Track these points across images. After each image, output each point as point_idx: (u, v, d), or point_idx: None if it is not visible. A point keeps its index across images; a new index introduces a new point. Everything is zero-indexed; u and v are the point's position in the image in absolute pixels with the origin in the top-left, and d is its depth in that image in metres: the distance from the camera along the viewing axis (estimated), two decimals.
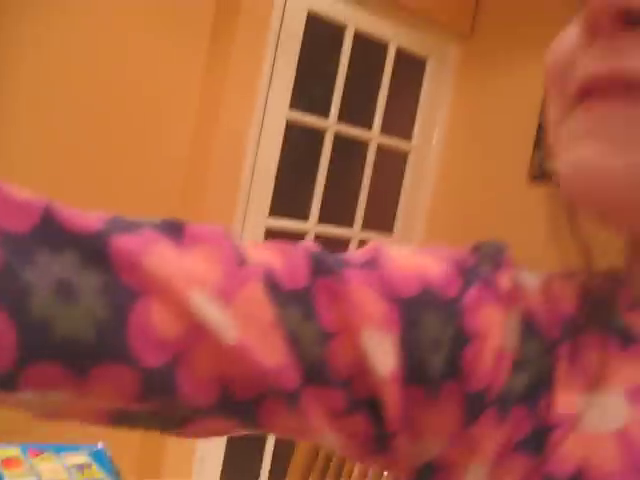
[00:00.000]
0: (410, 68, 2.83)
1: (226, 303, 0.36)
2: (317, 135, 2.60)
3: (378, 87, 2.72)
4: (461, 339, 0.40)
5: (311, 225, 2.63)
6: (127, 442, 2.26)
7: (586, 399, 0.39)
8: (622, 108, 0.35)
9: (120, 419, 0.38)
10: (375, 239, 2.87)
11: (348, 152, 2.73)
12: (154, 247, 0.35)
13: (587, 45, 0.37)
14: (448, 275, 0.42)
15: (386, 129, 2.76)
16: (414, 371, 0.40)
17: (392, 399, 0.40)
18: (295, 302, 0.38)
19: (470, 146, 2.80)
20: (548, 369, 0.40)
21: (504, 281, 0.42)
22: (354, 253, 0.43)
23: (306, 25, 2.45)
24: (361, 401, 0.41)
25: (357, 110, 2.72)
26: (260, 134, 2.41)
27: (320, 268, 0.40)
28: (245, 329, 0.36)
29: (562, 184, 0.37)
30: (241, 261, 0.38)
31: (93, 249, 0.34)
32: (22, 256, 0.32)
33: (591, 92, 0.36)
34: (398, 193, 2.90)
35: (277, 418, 0.39)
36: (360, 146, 2.74)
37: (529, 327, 0.42)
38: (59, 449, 1.43)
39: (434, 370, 0.40)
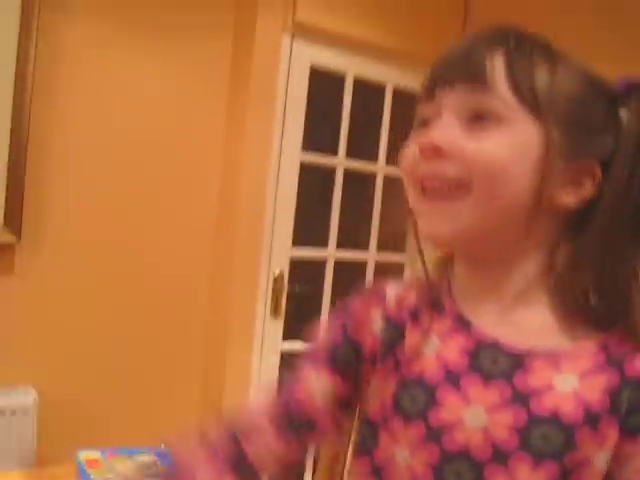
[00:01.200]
0: (407, 105, 3.13)
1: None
2: (329, 172, 2.93)
3: (380, 124, 3.04)
4: (357, 349, 0.87)
5: (331, 251, 2.94)
6: None
7: (424, 342, 0.81)
8: (443, 200, 0.77)
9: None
10: (389, 259, 3.17)
11: (358, 184, 3.05)
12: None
13: (419, 158, 0.78)
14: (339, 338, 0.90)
15: (391, 161, 3.07)
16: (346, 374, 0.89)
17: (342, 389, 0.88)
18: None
19: None
20: (399, 335, 0.83)
21: (363, 307, 0.90)
22: None
23: (310, 76, 2.79)
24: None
25: (363, 147, 3.03)
26: (278, 176, 2.74)
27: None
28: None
29: (423, 239, 0.82)
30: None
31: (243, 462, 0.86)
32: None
33: (425, 187, 0.79)
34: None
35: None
36: (369, 178, 3.05)
37: (387, 318, 0.86)
38: (131, 451, 1.73)
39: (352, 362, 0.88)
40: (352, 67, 2.89)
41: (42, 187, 2.33)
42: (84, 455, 1.67)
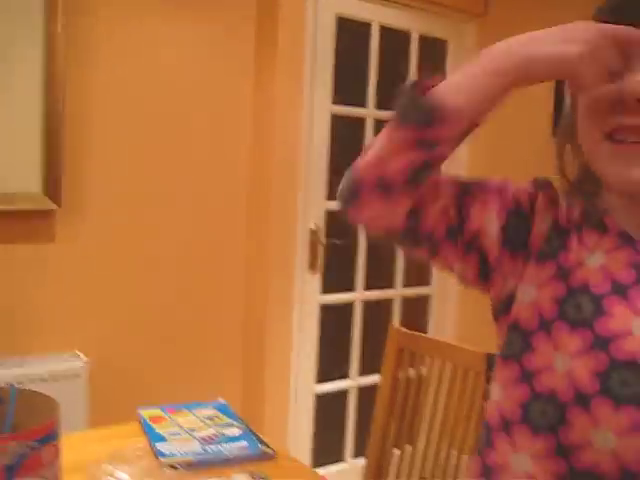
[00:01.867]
0: (433, 51, 3.12)
1: None
2: (359, 123, 2.91)
3: (407, 72, 3.01)
4: (527, 229, 0.85)
5: None
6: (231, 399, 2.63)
7: (587, 255, 0.82)
8: None
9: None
10: None
11: None
12: None
13: (623, 107, 0.74)
14: (523, 201, 0.87)
15: None
16: (507, 240, 0.85)
17: (492, 248, 0.85)
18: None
19: (493, 115, 3.06)
20: (564, 242, 0.84)
21: (541, 200, 0.87)
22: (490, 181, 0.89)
23: (336, 28, 2.76)
24: (477, 248, 0.86)
25: (392, 96, 3.00)
26: (311, 129, 2.73)
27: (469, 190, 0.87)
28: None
29: (615, 184, 0.80)
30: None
31: None
32: None
33: (627, 132, 0.76)
34: None
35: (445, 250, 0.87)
36: None
37: (555, 223, 0.85)
38: (190, 407, 1.76)
39: (515, 243, 0.86)
40: (377, 16, 2.86)
41: (80, 154, 2.34)
42: (146, 412, 1.69)
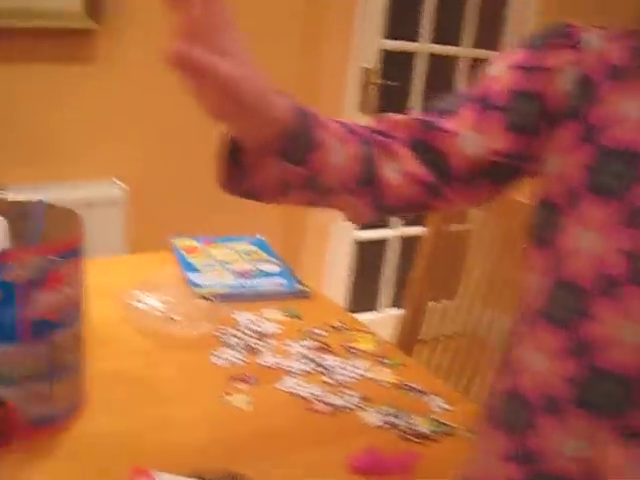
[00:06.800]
0: None
1: None
2: None
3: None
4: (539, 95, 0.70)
5: (423, 45, 2.76)
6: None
7: (629, 103, 0.63)
8: None
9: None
10: (484, 57, 2.97)
11: None
12: None
13: None
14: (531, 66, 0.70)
15: None
16: (518, 128, 0.71)
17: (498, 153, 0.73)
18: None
19: None
20: (594, 95, 0.64)
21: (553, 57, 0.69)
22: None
23: None
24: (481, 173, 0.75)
25: None
26: None
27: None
28: None
29: None
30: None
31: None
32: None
33: None
34: (504, 10, 2.96)
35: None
36: None
37: (581, 72, 0.66)
38: (225, 240, 1.69)
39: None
40: None
41: None
42: (180, 242, 1.63)
